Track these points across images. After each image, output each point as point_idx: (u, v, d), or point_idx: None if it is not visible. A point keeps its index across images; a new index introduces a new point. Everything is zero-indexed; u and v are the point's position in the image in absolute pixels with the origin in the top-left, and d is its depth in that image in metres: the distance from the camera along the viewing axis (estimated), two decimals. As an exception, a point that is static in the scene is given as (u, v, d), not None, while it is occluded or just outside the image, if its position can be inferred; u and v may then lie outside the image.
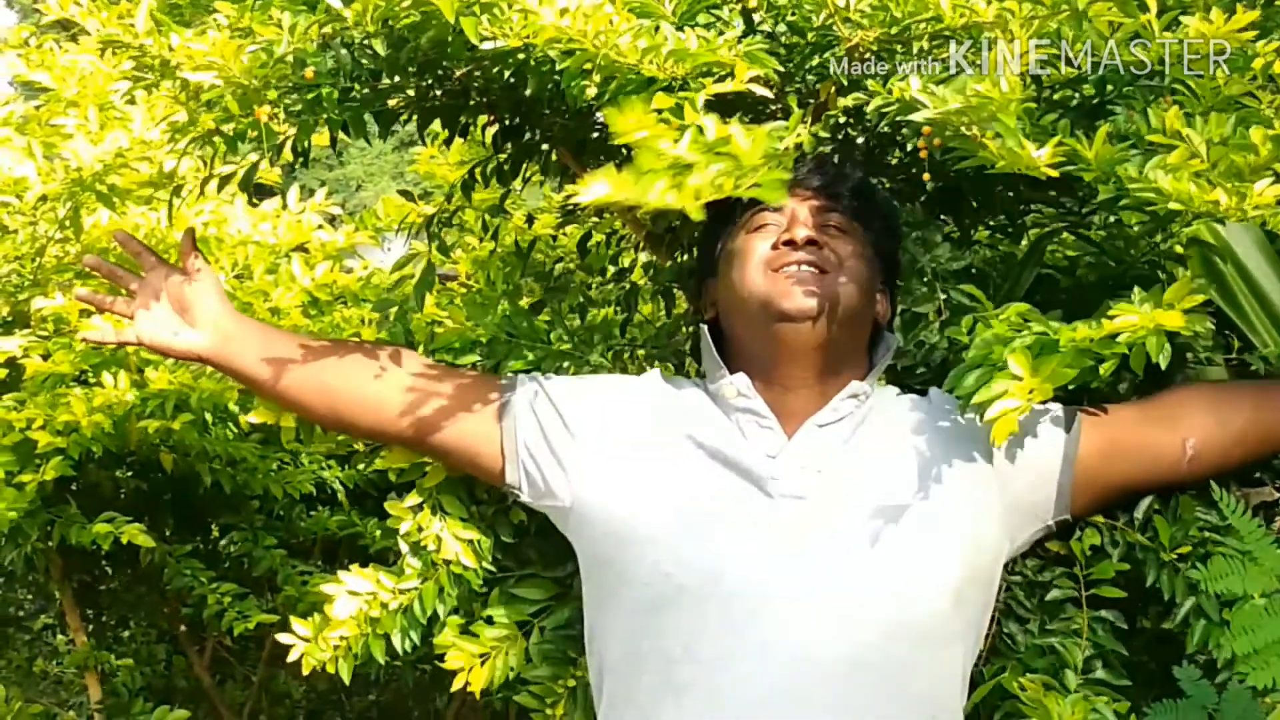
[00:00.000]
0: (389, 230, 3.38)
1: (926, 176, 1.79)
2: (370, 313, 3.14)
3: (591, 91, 1.63)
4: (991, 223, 2.24)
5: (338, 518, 3.08)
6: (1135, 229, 2.06)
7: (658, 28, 1.63)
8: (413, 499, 1.98)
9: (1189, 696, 1.60)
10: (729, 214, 1.88)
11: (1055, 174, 1.58)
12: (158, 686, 3.26)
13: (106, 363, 2.64)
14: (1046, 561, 1.88)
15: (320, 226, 3.27)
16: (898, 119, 1.65)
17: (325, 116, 1.80)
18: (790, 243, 1.80)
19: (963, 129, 1.59)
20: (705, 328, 1.91)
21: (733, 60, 1.61)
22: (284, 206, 3.22)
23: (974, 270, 2.00)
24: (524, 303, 2.33)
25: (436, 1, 1.59)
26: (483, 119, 2.14)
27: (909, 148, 1.86)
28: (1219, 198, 1.55)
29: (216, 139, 1.88)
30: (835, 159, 1.96)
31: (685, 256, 2.28)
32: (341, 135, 1.95)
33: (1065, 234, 2.12)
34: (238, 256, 3.09)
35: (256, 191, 3.34)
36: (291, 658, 1.98)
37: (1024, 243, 2.18)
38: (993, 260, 2.19)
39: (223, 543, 3.05)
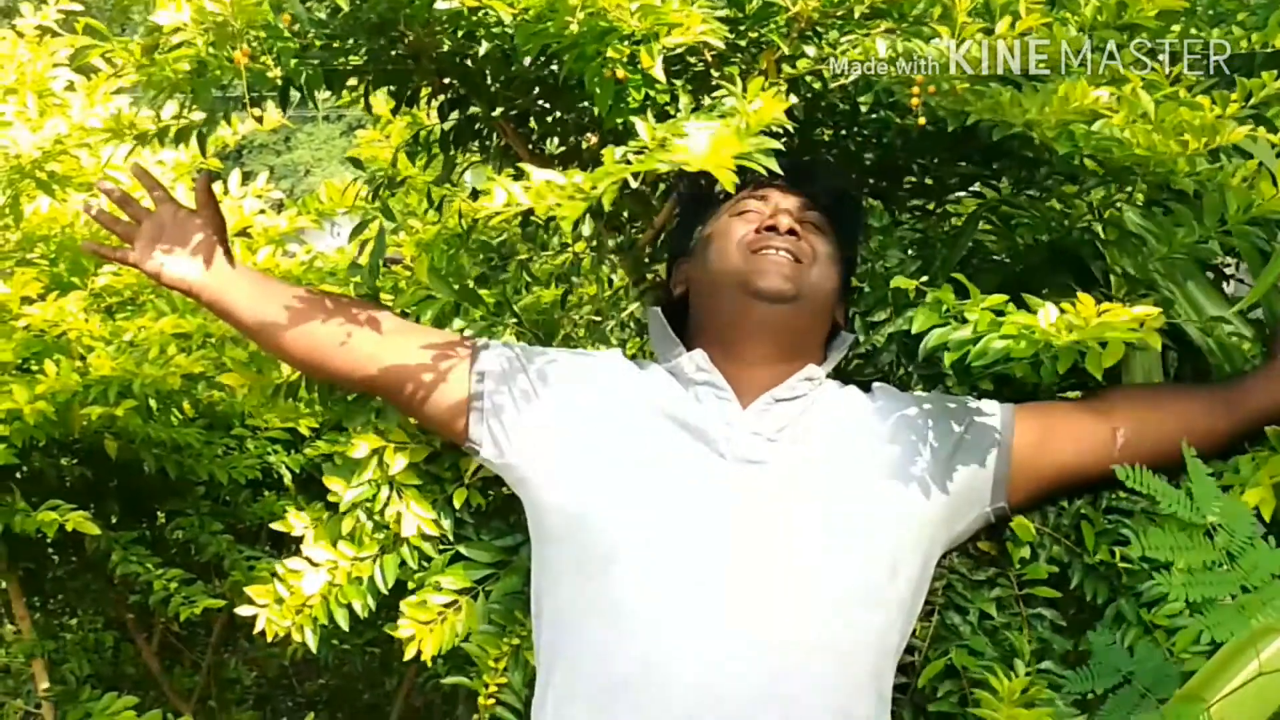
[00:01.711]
0: (333, 214, 3.38)
1: (921, 121, 1.81)
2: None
3: (572, 28, 1.64)
4: (918, 204, 2.29)
5: (284, 502, 3.07)
6: (1060, 206, 2.09)
7: None
8: (367, 473, 2.02)
9: (1101, 662, 1.64)
10: (706, 197, 1.98)
11: (1083, 124, 1.63)
12: (105, 674, 3.25)
13: (49, 350, 2.63)
14: (979, 561, 1.94)
15: (262, 211, 3.26)
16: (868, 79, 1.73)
17: (284, 72, 1.86)
18: (772, 229, 1.89)
19: (956, 86, 1.66)
20: (658, 310, 1.99)
21: (687, 19, 1.65)
22: (225, 192, 3.21)
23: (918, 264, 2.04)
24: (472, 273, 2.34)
25: None
26: (426, 91, 2.16)
27: (859, 116, 1.92)
28: (1189, 139, 1.62)
29: (181, 91, 1.92)
30: (817, 159, 2.07)
31: (632, 231, 2.30)
32: (288, 122, 1.97)
33: (998, 208, 2.16)
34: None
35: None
36: (257, 629, 2.02)
37: (948, 224, 2.24)
38: (921, 240, 2.24)
39: (168, 529, 3.04)
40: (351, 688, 3.83)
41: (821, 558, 1.76)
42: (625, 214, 2.30)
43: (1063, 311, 1.56)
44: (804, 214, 1.93)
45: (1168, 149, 1.64)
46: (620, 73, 1.64)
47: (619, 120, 1.71)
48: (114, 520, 3.01)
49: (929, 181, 2.13)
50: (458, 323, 2.13)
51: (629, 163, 1.42)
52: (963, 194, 2.26)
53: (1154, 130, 1.63)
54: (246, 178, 3.25)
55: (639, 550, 1.76)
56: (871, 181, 2.21)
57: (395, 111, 2.27)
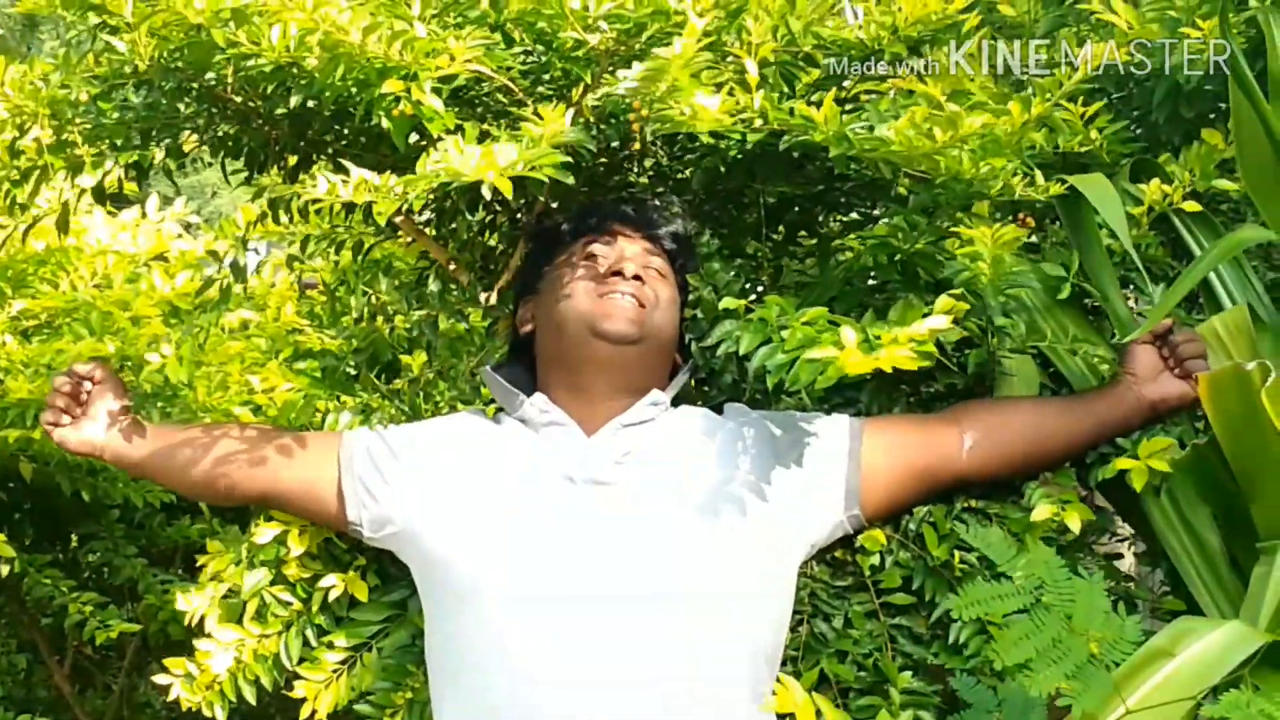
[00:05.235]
0: (250, 237, 3.38)
1: (636, 145, 1.95)
2: (230, 322, 3.16)
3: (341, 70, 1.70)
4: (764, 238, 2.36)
5: (199, 526, 3.08)
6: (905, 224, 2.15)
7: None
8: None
9: (971, 706, 1.67)
10: (554, 237, 2.08)
11: (729, 121, 1.74)
12: (17, 696, 3.24)
13: (-37, 375, 2.63)
14: (838, 569, 2.00)
15: (179, 235, 3.27)
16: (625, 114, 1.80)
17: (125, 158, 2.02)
18: (619, 273, 1.97)
19: (663, 101, 1.74)
20: (488, 370, 2.09)
21: (453, 49, 1.71)
22: (144, 216, 3.22)
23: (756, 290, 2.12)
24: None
25: (182, 10, 1.71)
26: (290, 159, 2.20)
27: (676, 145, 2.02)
28: (935, 132, 1.72)
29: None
30: (661, 203, 2.16)
31: (480, 278, 2.36)
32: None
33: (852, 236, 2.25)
34: (97, 266, 3.09)
35: (116, 201, 3.33)
36: (170, 697, 2.13)
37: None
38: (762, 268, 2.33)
39: (83, 552, 3.04)
40: (264, 713, 3.82)
41: (674, 566, 1.83)
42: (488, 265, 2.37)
43: (864, 335, 1.62)
44: (649, 260, 2.02)
45: (920, 141, 1.73)
46: (407, 108, 1.70)
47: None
48: (28, 543, 3.00)
49: (763, 205, 2.20)
50: (331, 418, 2.26)
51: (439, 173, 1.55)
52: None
53: (911, 128, 1.72)
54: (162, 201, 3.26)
55: (501, 580, 1.85)
56: (707, 209, 2.28)
57: (249, 180, 2.28)
